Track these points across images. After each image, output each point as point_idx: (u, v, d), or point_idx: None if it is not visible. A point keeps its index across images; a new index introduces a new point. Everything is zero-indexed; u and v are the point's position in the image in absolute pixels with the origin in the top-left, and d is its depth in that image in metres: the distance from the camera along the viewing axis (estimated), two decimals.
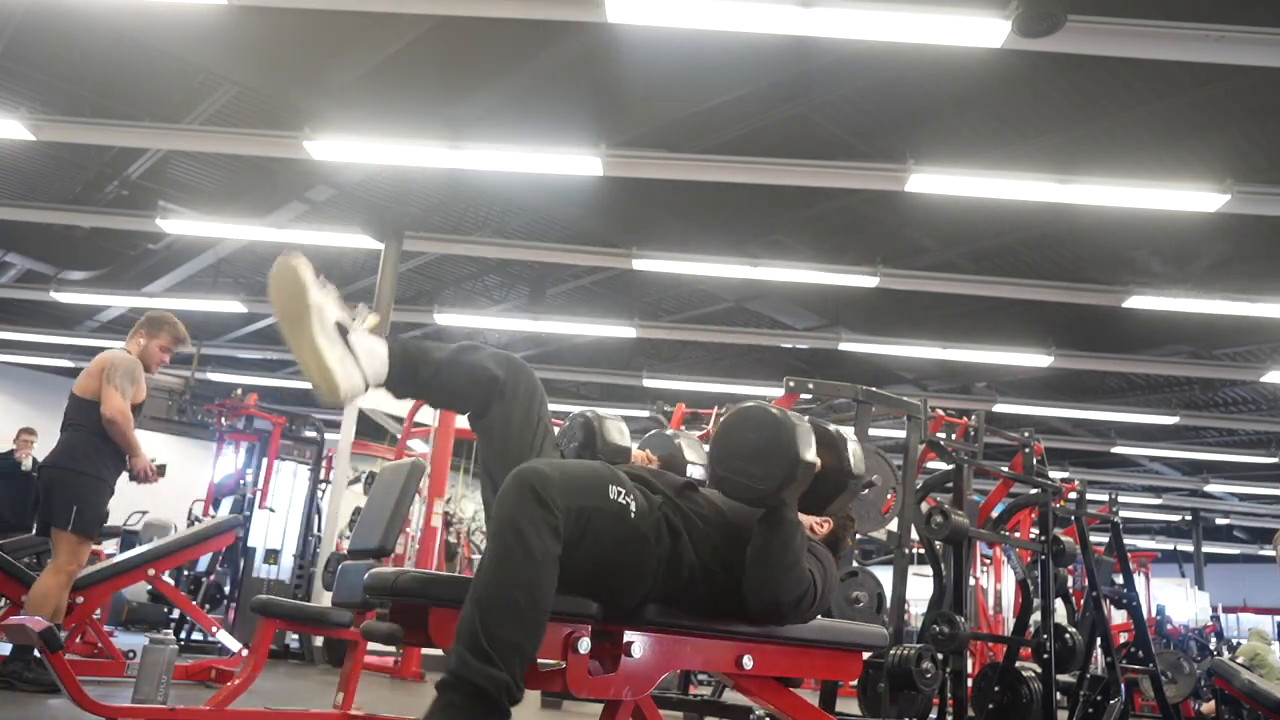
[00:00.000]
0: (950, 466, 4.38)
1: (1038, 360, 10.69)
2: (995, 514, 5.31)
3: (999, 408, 12.57)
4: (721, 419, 1.85)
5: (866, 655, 3.45)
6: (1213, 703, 7.34)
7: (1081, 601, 5.27)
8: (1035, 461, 4.86)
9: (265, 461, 8.14)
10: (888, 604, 4.10)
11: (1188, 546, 20.11)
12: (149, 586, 5.99)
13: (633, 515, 1.65)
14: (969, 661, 4.54)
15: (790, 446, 1.72)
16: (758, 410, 1.81)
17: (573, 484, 1.57)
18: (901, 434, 4.36)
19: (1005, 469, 5.14)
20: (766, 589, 1.75)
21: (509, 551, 1.48)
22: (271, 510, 8.19)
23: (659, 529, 1.71)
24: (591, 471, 1.67)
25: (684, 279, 10.50)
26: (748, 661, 1.83)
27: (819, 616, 1.94)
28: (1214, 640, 13.77)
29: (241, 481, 8.29)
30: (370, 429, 9.18)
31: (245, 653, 4.18)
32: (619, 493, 1.65)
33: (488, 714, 1.43)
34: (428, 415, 6.80)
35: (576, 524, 1.54)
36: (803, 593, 1.77)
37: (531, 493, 1.50)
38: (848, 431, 1.96)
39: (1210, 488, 16.73)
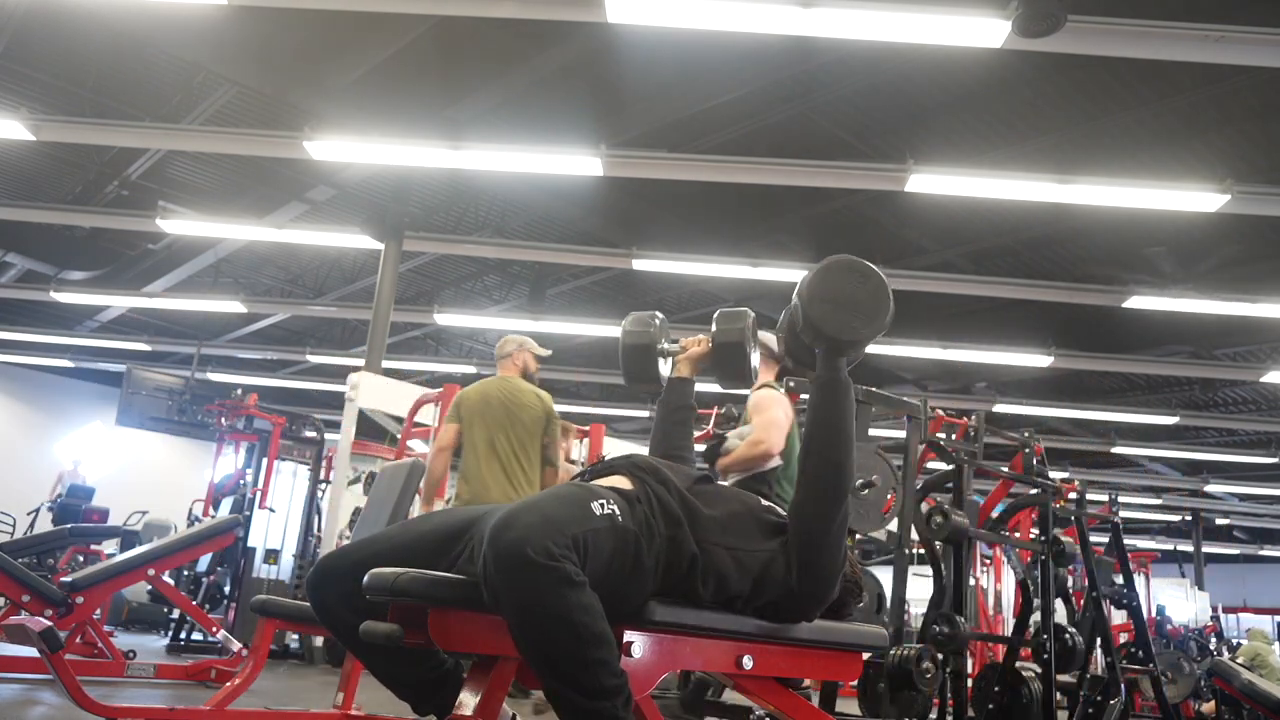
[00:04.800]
0: (950, 466, 4.37)
1: (1038, 360, 10.69)
2: (995, 514, 5.31)
3: (999, 408, 12.57)
4: (821, 263, 1.89)
5: (866, 655, 3.45)
6: (1213, 703, 7.34)
7: (1081, 601, 5.26)
8: (1035, 462, 4.85)
9: (265, 461, 8.13)
10: (888, 604, 4.10)
11: (1188, 546, 20.11)
12: (149, 586, 5.99)
13: (620, 520, 1.66)
14: (969, 661, 4.54)
15: (889, 301, 1.84)
16: (860, 263, 1.87)
17: (560, 521, 1.55)
18: (901, 434, 4.36)
19: (1005, 469, 5.15)
20: (836, 449, 1.81)
21: (555, 633, 1.48)
22: (271, 510, 8.18)
23: (649, 523, 1.72)
24: (570, 499, 1.64)
25: (684, 279, 10.50)
26: (747, 662, 1.83)
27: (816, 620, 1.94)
28: (1214, 640, 13.77)
29: (241, 481, 8.29)
30: (370, 429, 9.18)
31: (245, 653, 4.18)
32: (601, 505, 1.65)
33: None
34: (428, 415, 6.80)
35: (578, 553, 1.54)
36: (851, 469, 1.84)
37: (528, 563, 1.47)
38: None
39: (1210, 488, 16.74)
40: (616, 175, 7.34)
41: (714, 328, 2.34)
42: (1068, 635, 4.32)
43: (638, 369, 2.35)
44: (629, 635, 1.69)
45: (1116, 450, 14.70)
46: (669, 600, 1.73)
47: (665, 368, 2.40)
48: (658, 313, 2.40)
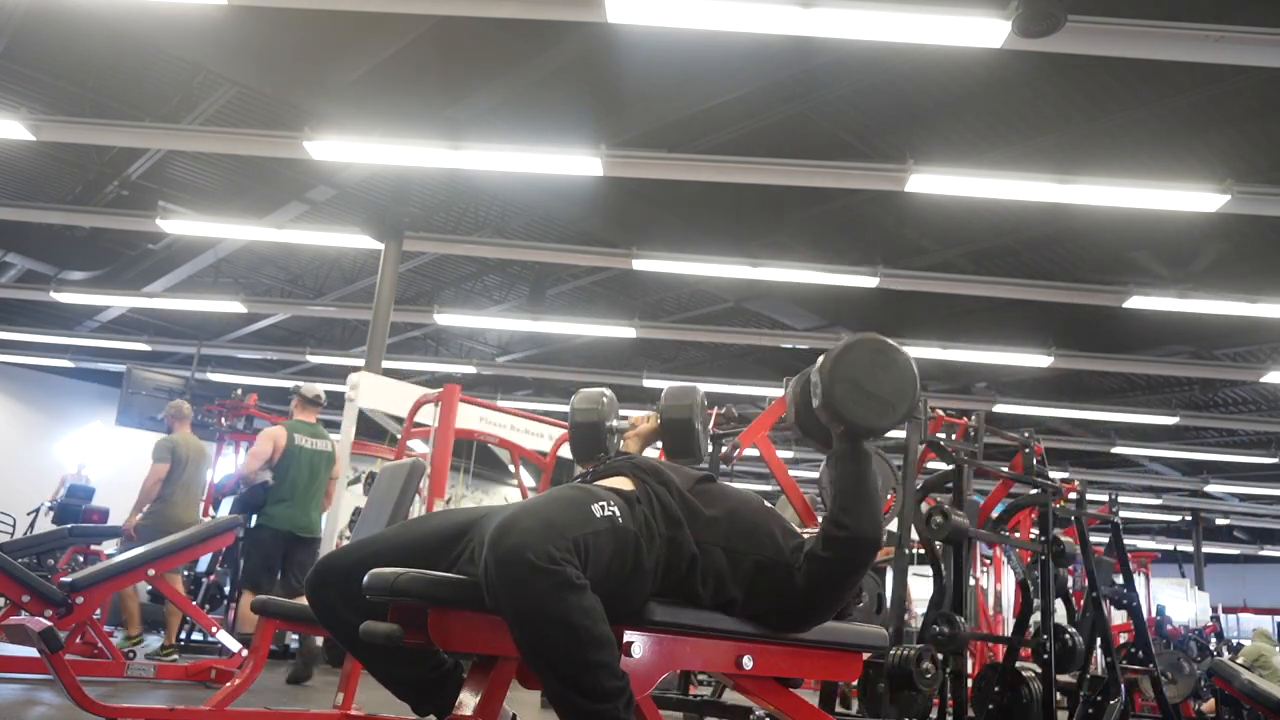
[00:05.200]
0: (950, 467, 4.37)
1: (1038, 360, 10.69)
2: (995, 514, 5.31)
3: (999, 408, 12.58)
4: (846, 340, 1.84)
5: (866, 655, 3.45)
6: (1212, 701, 7.34)
7: (1081, 602, 5.26)
8: (1035, 462, 4.85)
9: None
10: (888, 604, 4.10)
11: (1188, 546, 20.11)
12: (149, 586, 5.99)
13: (620, 521, 1.66)
14: (969, 661, 4.54)
15: (914, 390, 1.80)
16: (887, 346, 1.83)
17: (561, 525, 1.55)
18: (901, 434, 4.36)
19: (1005, 469, 5.14)
20: (867, 518, 1.77)
21: (557, 636, 1.48)
22: None
23: (649, 524, 1.72)
24: (571, 501, 1.64)
25: (684, 279, 10.50)
26: (747, 662, 1.83)
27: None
28: (1214, 640, 13.78)
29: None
30: (370, 429, 9.18)
31: (245, 653, 4.18)
32: (601, 507, 1.65)
33: None
34: (428, 415, 6.79)
35: (579, 556, 1.54)
36: (875, 537, 1.79)
37: (530, 566, 1.47)
38: None
39: (1210, 488, 16.73)
40: (616, 175, 7.34)
41: (661, 403, 2.37)
42: (1068, 635, 4.31)
43: (587, 446, 2.38)
44: (629, 635, 1.69)
45: (1116, 450, 14.69)
46: (669, 600, 1.73)
47: (614, 445, 2.43)
48: (606, 390, 2.43)
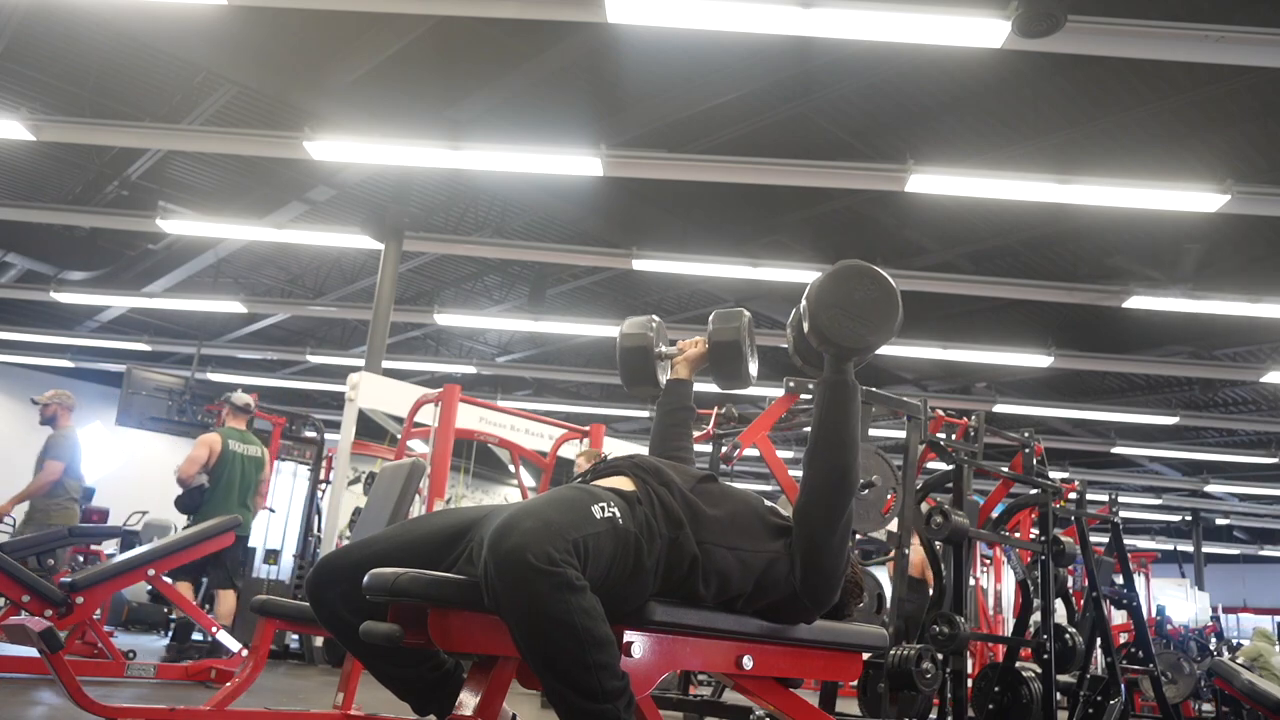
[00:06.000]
0: (950, 467, 4.37)
1: (1038, 360, 10.69)
2: (995, 514, 5.31)
3: (999, 408, 12.58)
4: (832, 267, 1.90)
5: (866, 655, 3.45)
6: (1212, 700, 7.34)
7: (1081, 602, 5.26)
8: (1035, 462, 4.85)
9: None
10: (888, 604, 4.10)
11: (1188, 546, 20.12)
12: (149, 586, 5.99)
13: (620, 522, 1.66)
14: (969, 661, 4.54)
15: (898, 308, 1.84)
16: (871, 270, 1.88)
17: (560, 526, 1.54)
18: (901, 434, 4.36)
19: (1005, 469, 5.14)
20: (840, 452, 1.81)
21: (557, 637, 1.48)
22: (271, 510, 8.17)
23: (650, 525, 1.71)
24: (571, 502, 1.64)
25: (684, 279, 10.50)
26: (747, 662, 1.83)
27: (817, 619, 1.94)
28: (1214, 640, 13.78)
29: None
30: (370, 429, 9.19)
31: (245, 653, 4.18)
32: (602, 508, 1.64)
33: None
34: (428, 415, 6.79)
35: (578, 557, 1.54)
36: (856, 472, 1.82)
37: (530, 568, 1.47)
38: None
39: (1210, 488, 16.74)
40: (616, 175, 7.34)
41: (710, 328, 2.35)
42: (1068, 635, 4.32)
43: (635, 372, 2.38)
44: (629, 635, 1.69)
45: (1116, 450, 14.70)
46: (669, 600, 1.73)
47: (663, 370, 2.41)
48: (655, 316, 2.42)
